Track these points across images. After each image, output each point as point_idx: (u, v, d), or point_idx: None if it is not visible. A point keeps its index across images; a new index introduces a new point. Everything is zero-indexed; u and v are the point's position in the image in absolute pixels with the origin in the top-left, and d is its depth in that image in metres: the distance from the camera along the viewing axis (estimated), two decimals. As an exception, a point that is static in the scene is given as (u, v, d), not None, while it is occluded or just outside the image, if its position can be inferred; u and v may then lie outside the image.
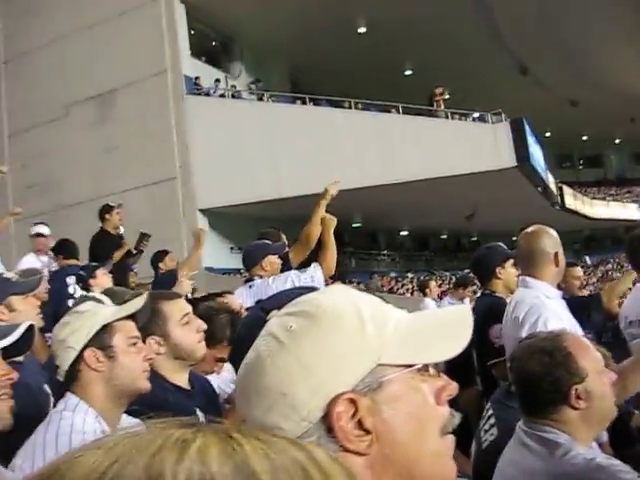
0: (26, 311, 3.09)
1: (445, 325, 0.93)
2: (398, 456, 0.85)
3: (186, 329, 2.47)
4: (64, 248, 6.52)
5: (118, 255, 6.87)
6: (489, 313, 3.39)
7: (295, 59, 25.45)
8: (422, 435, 0.86)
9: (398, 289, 24.53)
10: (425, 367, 0.89)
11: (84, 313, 2.09)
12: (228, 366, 2.97)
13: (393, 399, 0.85)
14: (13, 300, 3.07)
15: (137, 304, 2.17)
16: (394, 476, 0.85)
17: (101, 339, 2.05)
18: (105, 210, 7.32)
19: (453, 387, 0.91)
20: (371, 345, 0.86)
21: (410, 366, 0.87)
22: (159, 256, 6.86)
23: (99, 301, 2.21)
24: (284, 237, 5.31)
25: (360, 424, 0.83)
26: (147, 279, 7.22)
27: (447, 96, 21.80)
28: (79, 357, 2.02)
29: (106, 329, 2.07)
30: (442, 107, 21.29)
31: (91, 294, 2.51)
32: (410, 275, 27.68)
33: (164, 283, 4.92)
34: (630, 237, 3.63)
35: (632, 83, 33.77)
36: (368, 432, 0.84)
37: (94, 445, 0.46)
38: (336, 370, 0.84)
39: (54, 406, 2.74)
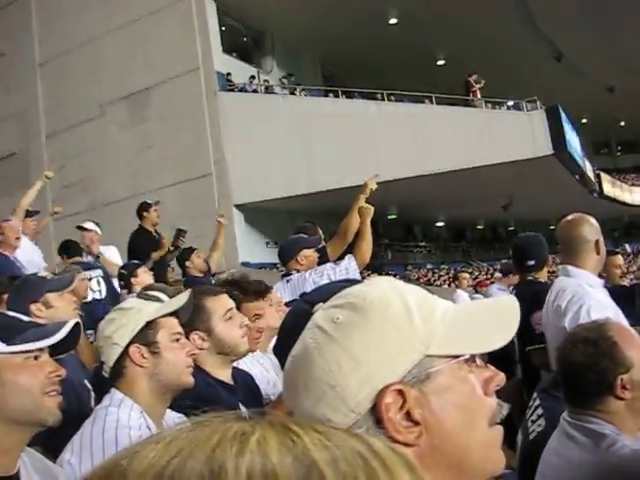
0: (63, 307, 3.14)
1: (492, 315, 0.92)
2: (447, 447, 0.85)
3: (229, 324, 2.48)
4: (68, 248, 6.59)
5: (156, 256, 6.91)
6: (534, 299, 3.35)
7: (327, 52, 25.39)
8: (471, 426, 0.86)
9: (435, 280, 24.42)
10: (472, 358, 0.89)
11: (129, 310, 2.11)
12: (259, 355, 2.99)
13: (441, 390, 0.85)
14: (49, 297, 3.13)
15: (180, 300, 2.19)
16: (443, 467, 0.85)
17: (146, 335, 2.07)
18: (143, 208, 7.37)
19: (500, 378, 0.90)
20: (418, 336, 0.86)
21: (457, 357, 0.87)
22: (185, 254, 6.83)
23: (149, 298, 2.23)
24: (320, 231, 5.31)
25: (408, 415, 0.83)
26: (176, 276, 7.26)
27: (482, 84, 21.58)
28: (124, 353, 2.05)
29: (150, 325, 2.09)
30: (478, 96, 21.10)
31: (150, 292, 2.53)
32: (444, 266, 27.54)
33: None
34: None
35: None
36: (416, 423, 0.84)
37: (152, 440, 0.47)
38: (384, 361, 0.84)
39: (96, 402, 2.79)
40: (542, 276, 4.00)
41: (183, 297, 2.20)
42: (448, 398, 0.85)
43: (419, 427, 0.84)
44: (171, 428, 0.49)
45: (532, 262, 4.02)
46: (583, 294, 2.88)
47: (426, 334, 0.86)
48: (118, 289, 6.88)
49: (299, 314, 0.97)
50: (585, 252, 3.07)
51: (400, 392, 0.83)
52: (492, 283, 11.31)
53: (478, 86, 21.41)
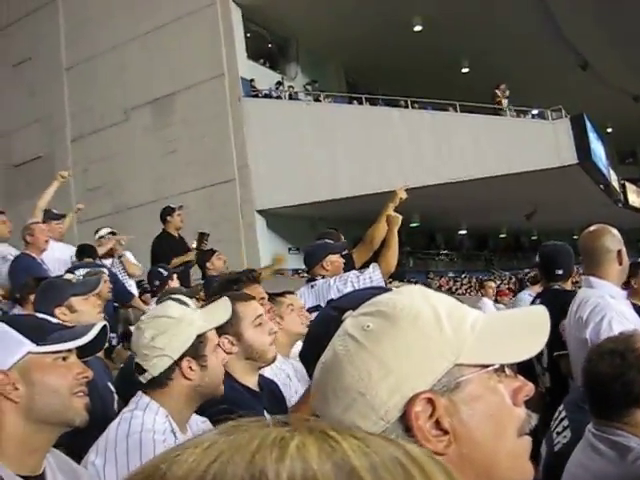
0: (87, 311, 3.17)
1: (522, 326, 0.92)
2: (476, 456, 0.85)
3: (259, 330, 2.50)
4: (83, 252, 6.68)
5: (179, 261, 6.94)
6: (562, 308, 3.34)
7: (351, 59, 25.40)
8: (500, 436, 0.86)
9: (457, 289, 24.31)
10: (502, 368, 0.88)
11: (181, 321, 2.09)
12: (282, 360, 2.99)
13: (471, 399, 0.85)
14: (74, 301, 3.15)
15: (228, 313, 2.21)
16: (472, 476, 0.85)
17: (196, 348, 2.08)
18: (167, 212, 7.42)
19: (529, 388, 0.90)
20: (449, 345, 0.86)
21: (487, 366, 0.87)
22: (206, 256, 6.87)
23: (183, 303, 2.24)
24: (342, 238, 5.32)
25: (438, 424, 0.83)
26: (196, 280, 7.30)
27: (507, 93, 21.49)
28: (173, 365, 2.05)
29: (200, 338, 2.09)
30: (505, 106, 21.01)
31: (175, 295, 2.54)
32: (464, 275, 27.41)
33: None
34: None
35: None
36: (446, 432, 0.84)
37: (191, 444, 0.47)
38: (414, 370, 0.84)
39: (119, 404, 2.81)
40: (567, 286, 3.98)
41: (227, 308, 2.21)
42: (477, 407, 0.85)
43: (448, 436, 0.84)
44: (208, 432, 0.49)
45: (560, 271, 4.01)
46: (605, 305, 2.87)
47: (456, 343, 0.86)
48: (133, 290, 6.98)
49: (327, 321, 0.98)
50: (607, 263, 3.05)
51: (430, 400, 0.83)
52: (512, 292, 11.25)
53: (504, 95, 21.33)
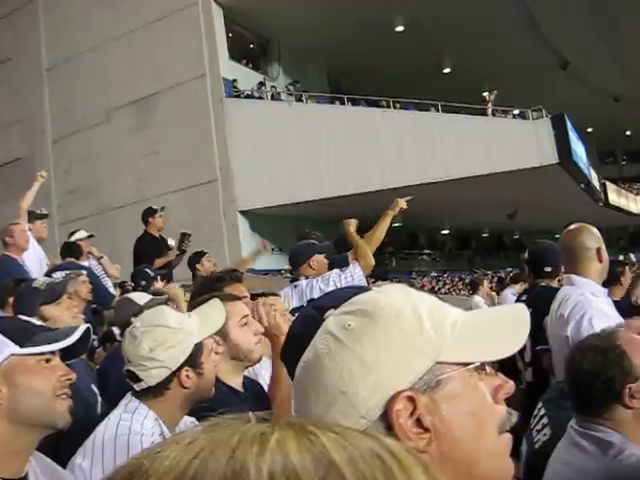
0: (60, 317, 3.13)
1: (502, 323, 0.93)
2: (457, 454, 0.85)
3: (245, 330, 2.50)
4: (69, 250, 6.64)
5: (160, 262, 6.92)
6: (548, 303, 3.36)
7: (333, 60, 25.43)
8: (480, 433, 0.86)
9: (440, 288, 24.39)
10: (482, 365, 0.89)
11: (180, 331, 2.07)
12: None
13: (451, 397, 0.85)
14: (43, 310, 3.12)
15: (222, 317, 2.20)
16: (453, 474, 0.85)
17: (194, 357, 2.07)
18: (148, 213, 7.39)
19: (510, 386, 0.91)
20: (429, 343, 0.86)
21: (468, 364, 0.87)
22: (196, 257, 6.85)
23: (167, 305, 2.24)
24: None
25: (419, 422, 0.84)
26: (185, 281, 7.26)
27: (494, 94, 21.69)
28: (170, 375, 2.03)
29: (197, 346, 2.08)
30: (489, 106, 21.18)
31: (161, 297, 2.53)
32: (447, 275, 27.54)
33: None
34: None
35: (676, 76, 33.11)
36: (427, 430, 0.84)
37: (172, 440, 0.47)
38: (395, 368, 0.84)
39: (105, 406, 2.79)
40: (554, 284, 4.02)
41: (222, 312, 2.20)
42: (458, 405, 0.85)
43: (429, 434, 0.84)
44: (190, 429, 0.49)
45: (549, 269, 4.06)
46: (585, 303, 2.90)
47: (437, 341, 0.86)
48: (111, 289, 6.94)
49: (308, 320, 0.98)
50: (587, 261, 3.09)
51: (411, 399, 0.83)
52: (494, 292, 11.29)
53: (492, 97, 21.51)
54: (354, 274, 4.04)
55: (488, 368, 0.90)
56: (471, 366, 0.87)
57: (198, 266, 6.68)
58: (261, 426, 0.48)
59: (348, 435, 0.48)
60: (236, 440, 0.45)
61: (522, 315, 0.93)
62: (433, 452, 0.84)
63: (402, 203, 4.81)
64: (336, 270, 4.16)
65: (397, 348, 0.85)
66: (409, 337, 0.86)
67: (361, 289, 1.01)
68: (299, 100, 21.93)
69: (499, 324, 0.93)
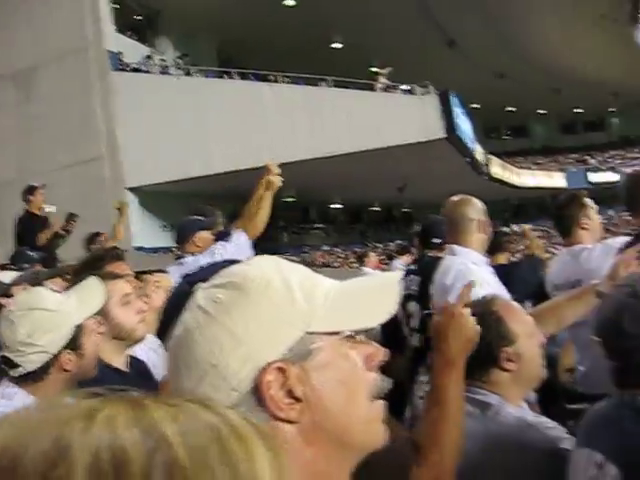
0: None
1: (373, 292, 0.93)
2: (329, 422, 0.86)
3: (126, 309, 2.44)
4: None
5: (44, 237, 6.70)
6: (435, 270, 3.43)
7: (223, 33, 25.11)
8: (352, 401, 0.87)
9: (333, 262, 24.67)
10: (354, 334, 0.90)
11: (58, 313, 2.00)
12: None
13: (322, 366, 0.85)
14: None
15: (102, 297, 2.13)
16: (325, 442, 0.86)
17: (74, 340, 2.00)
18: (28, 191, 7.16)
19: (382, 353, 0.92)
20: (299, 313, 0.86)
21: (339, 333, 0.88)
22: (92, 238, 6.67)
23: (51, 288, 2.15)
24: (220, 213, 5.26)
25: (291, 392, 0.84)
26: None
27: (388, 70, 21.98)
28: (50, 359, 1.96)
29: (77, 328, 2.02)
30: (380, 81, 21.45)
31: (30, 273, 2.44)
32: (338, 249, 27.89)
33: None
34: (555, 205, 3.79)
35: (556, 54, 34.46)
36: (299, 400, 0.84)
37: (3, 420, 0.46)
38: (265, 339, 0.84)
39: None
40: (441, 255, 4.12)
41: (102, 292, 2.15)
42: (329, 374, 0.86)
43: (301, 404, 0.84)
44: (25, 408, 0.48)
45: (437, 240, 4.15)
46: (467, 272, 2.97)
47: (307, 311, 0.86)
48: None
49: (180, 295, 0.96)
50: (469, 231, 3.17)
51: (282, 370, 0.83)
52: (385, 264, 11.51)
53: (384, 72, 21.78)
54: (239, 242, 3.94)
55: (361, 336, 0.91)
56: (342, 335, 0.88)
57: (92, 247, 6.50)
58: (92, 402, 0.47)
59: (185, 409, 0.48)
60: (65, 418, 0.44)
61: (393, 283, 0.94)
62: (306, 421, 0.85)
63: (275, 169, 4.56)
64: (220, 242, 4.07)
65: (267, 319, 0.85)
66: (279, 308, 0.85)
67: (235, 263, 0.99)
68: (188, 74, 21.53)
69: (370, 293, 0.93)
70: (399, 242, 11.22)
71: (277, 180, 4.31)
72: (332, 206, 32.07)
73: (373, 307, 0.91)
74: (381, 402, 0.91)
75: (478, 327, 1.69)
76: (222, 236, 4.30)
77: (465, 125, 22.36)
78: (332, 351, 0.87)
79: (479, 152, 26.71)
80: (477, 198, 3.33)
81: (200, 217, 4.70)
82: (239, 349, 0.83)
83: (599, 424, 1.65)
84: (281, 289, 0.87)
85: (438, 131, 19.40)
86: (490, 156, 30.21)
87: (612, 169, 38.25)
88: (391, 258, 10.36)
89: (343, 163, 19.32)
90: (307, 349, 0.85)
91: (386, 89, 21.48)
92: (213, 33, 25.33)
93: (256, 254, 4.31)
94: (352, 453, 0.89)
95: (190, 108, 19.09)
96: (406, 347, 3.69)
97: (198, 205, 5.78)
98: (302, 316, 0.86)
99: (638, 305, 1.59)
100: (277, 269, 0.90)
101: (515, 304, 2.16)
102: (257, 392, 0.83)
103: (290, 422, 0.84)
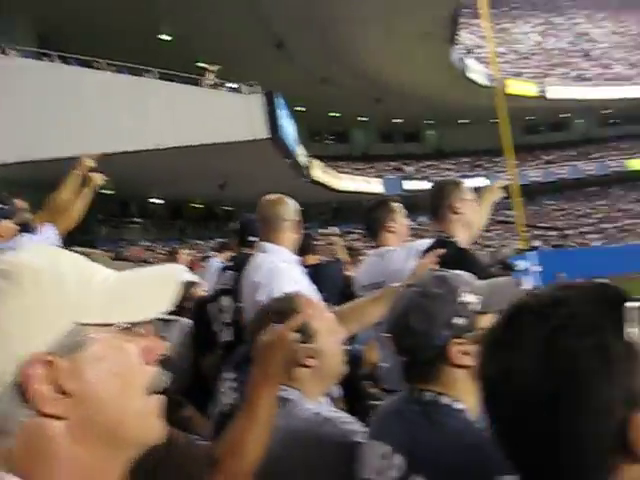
0: None
1: (151, 284, 0.91)
2: (101, 417, 0.83)
3: None
4: None
5: None
6: None
7: (42, 13, 23.80)
8: (126, 395, 0.85)
9: (151, 257, 24.16)
10: (132, 326, 0.87)
11: None
12: None
13: (94, 359, 0.83)
14: None
15: None
16: (97, 438, 0.83)
17: None
18: None
19: (160, 346, 0.90)
20: (70, 304, 0.83)
21: (114, 325, 0.85)
22: None
23: None
24: (22, 203, 4.97)
25: (59, 386, 0.80)
26: None
27: (217, 68, 21.85)
28: None
29: None
30: (209, 77, 21.29)
31: None
32: (157, 245, 27.42)
33: None
34: (365, 209, 3.95)
35: (379, 65, 35.82)
36: (68, 394, 0.81)
37: None
38: (31, 330, 0.80)
39: None
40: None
41: None
42: (102, 367, 0.83)
43: (70, 398, 0.81)
44: None
45: (254, 238, 4.18)
46: (276, 270, 3.02)
47: (79, 302, 0.83)
48: None
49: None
50: (281, 230, 3.24)
51: (49, 362, 0.79)
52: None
53: (213, 69, 21.63)
54: (48, 237, 3.77)
55: (139, 329, 0.89)
56: (118, 327, 0.86)
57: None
58: None
59: None
60: None
61: (172, 276, 0.93)
62: (76, 417, 0.82)
63: (89, 161, 4.45)
64: (26, 234, 3.87)
65: (33, 309, 0.81)
66: (47, 298, 0.82)
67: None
68: (3, 53, 20.20)
69: (148, 285, 0.91)
70: (219, 240, 11.19)
71: (99, 178, 4.19)
72: (152, 201, 31.43)
73: (151, 299, 0.89)
74: (158, 397, 0.89)
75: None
76: (27, 228, 4.09)
77: (289, 127, 22.70)
78: (106, 343, 0.84)
79: (301, 155, 27.20)
80: (298, 200, 3.40)
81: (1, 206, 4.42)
82: (2, 341, 0.79)
83: (389, 418, 1.71)
84: (52, 278, 0.83)
85: (262, 131, 19.57)
86: (312, 159, 30.85)
87: (426, 178, 40.34)
88: (204, 259, 10.30)
89: (166, 157, 19.00)
90: (78, 341, 0.82)
91: (213, 86, 21.37)
92: (31, 13, 23.94)
93: (70, 247, 4.13)
94: (126, 449, 0.87)
95: (3, 90, 17.91)
96: (216, 344, 3.69)
97: (5, 193, 5.45)
98: (73, 307, 0.83)
99: (426, 304, 1.67)
100: (49, 257, 0.87)
101: (316, 301, 2.21)
102: (21, 386, 0.79)
103: (58, 418, 0.80)
